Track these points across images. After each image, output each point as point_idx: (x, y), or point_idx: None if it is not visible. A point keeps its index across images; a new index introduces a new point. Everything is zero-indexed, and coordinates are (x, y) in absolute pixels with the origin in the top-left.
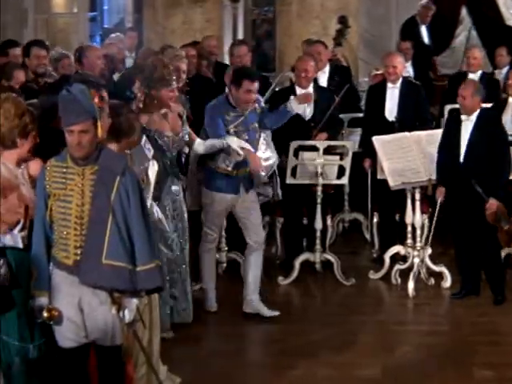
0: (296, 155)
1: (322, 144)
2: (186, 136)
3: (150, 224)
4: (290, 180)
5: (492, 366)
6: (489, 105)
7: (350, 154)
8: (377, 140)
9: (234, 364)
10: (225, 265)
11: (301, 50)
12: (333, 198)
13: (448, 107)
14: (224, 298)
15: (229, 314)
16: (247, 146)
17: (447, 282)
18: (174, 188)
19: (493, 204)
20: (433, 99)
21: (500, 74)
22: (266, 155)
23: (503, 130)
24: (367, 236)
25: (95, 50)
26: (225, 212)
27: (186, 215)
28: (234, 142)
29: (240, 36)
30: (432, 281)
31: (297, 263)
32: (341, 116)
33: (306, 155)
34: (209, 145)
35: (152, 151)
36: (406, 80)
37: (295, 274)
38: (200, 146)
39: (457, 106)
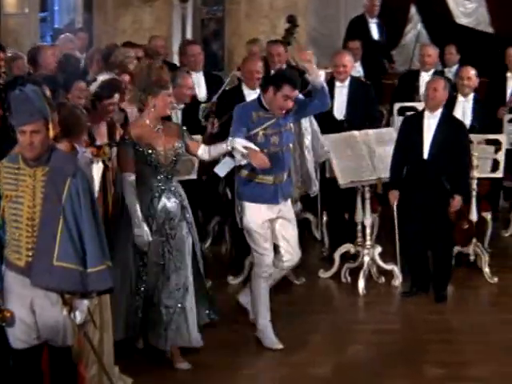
0: None
1: None
2: (182, 148)
3: (100, 225)
4: None
5: (443, 365)
6: None
7: None
8: (327, 138)
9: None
10: None
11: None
12: None
13: (397, 105)
14: None
15: None
16: (252, 145)
17: (397, 280)
18: (169, 205)
19: (458, 201)
20: (382, 97)
21: (449, 73)
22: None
23: (465, 127)
24: (317, 235)
25: (49, 49)
26: (268, 225)
27: (185, 232)
28: (238, 143)
29: (189, 35)
30: (382, 279)
31: (247, 262)
32: None
33: None
34: (214, 150)
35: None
36: (354, 79)
37: (245, 273)
38: (205, 152)
39: (406, 104)
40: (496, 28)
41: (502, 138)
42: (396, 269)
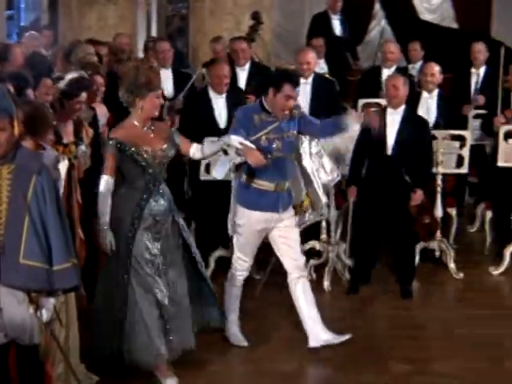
0: None
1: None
2: (173, 151)
3: (66, 223)
4: (203, 176)
5: (409, 360)
6: None
7: None
8: None
9: None
10: None
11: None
12: None
13: (361, 101)
14: None
15: None
16: (248, 143)
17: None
18: (157, 208)
19: (420, 195)
20: (347, 94)
21: (413, 69)
22: (324, 174)
23: (428, 124)
24: None
25: (17, 47)
26: (260, 235)
27: (175, 235)
28: (234, 139)
29: (154, 33)
30: (347, 275)
31: (212, 258)
32: None
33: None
34: (207, 148)
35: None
36: (317, 75)
37: (210, 270)
38: (197, 151)
39: (370, 100)
40: (461, 23)
41: (466, 134)
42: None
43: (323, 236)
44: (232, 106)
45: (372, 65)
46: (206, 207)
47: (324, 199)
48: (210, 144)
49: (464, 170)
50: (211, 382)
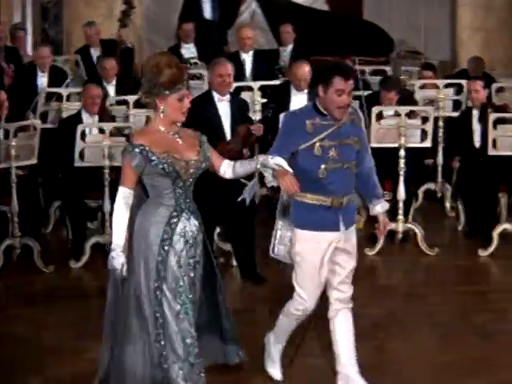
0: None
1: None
2: (206, 162)
3: None
4: (78, 163)
5: None
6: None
7: None
8: None
9: (29, 349)
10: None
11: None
12: None
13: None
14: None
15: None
16: (285, 165)
17: (235, 260)
18: (189, 228)
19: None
20: None
21: (284, 51)
22: None
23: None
24: None
25: None
26: (322, 264)
27: (204, 261)
28: (272, 160)
29: (29, 20)
30: (221, 259)
31: (87, 246)
32: (126, 97)
33: (95, 137)
34: (240, 167)
35: None
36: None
37: (86, 257)
38: (229, 169)
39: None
40: (332, 6)
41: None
42: None
43: None
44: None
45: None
46: (77, 193)
47: None
48: (245, 163)
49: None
50: None
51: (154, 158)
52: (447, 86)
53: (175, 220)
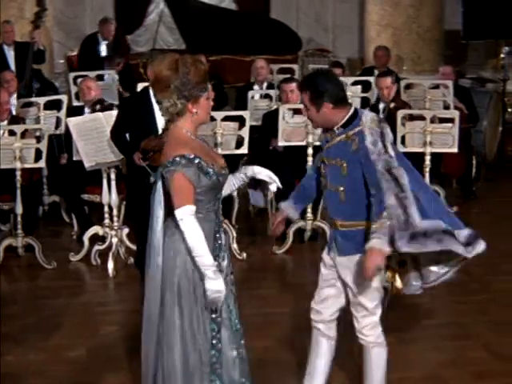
0: None
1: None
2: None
3: None
4: None
5: None
6: None
7: (46, 137)
8: (70, 121)
9: None
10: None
11: None
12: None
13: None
14: None
15: None
16: (266, 172)
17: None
18: (224, 242)
19: None
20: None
21: None
22: None
23: None
24: (66, 218)
25: None
26: (327, 278)
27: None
28: (260, 171)
29: None
30: (131, 259)
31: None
32: (34, 99)
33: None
34: (234, 180)
35: None
36: None
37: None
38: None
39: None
40: (240, 5)
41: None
42: None
43: (106, 221)
44: None
45: (152, 48)
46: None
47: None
48: (232, 178)
49: (244, 150)
50: None
51: (209, 169)
52: (355, 83)
53: (218, 235)
